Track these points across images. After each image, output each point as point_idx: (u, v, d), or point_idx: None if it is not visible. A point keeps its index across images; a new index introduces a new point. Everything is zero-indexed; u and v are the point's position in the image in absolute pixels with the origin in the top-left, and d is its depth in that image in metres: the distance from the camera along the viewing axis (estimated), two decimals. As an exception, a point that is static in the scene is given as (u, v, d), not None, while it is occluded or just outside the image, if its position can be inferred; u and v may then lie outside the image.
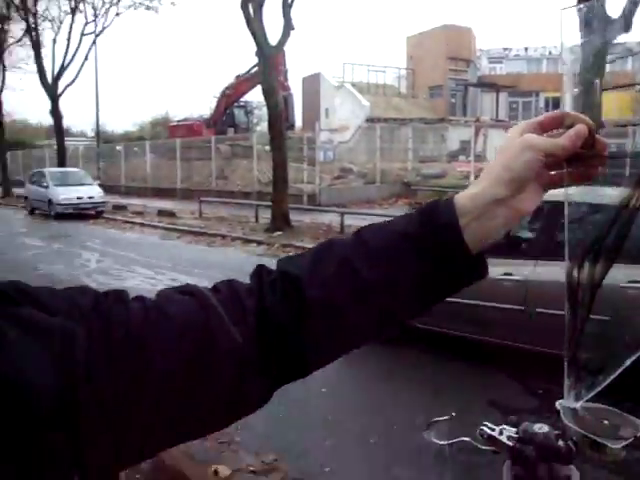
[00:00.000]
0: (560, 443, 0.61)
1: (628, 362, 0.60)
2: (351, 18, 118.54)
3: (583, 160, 0.71)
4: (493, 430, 0.63)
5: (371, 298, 0.70)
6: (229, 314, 0.67)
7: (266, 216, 15.69)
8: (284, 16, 14.70)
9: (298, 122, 31.74)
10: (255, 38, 14.46)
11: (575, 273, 0.71)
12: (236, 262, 11.27)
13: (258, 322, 0.68)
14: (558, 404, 0.62)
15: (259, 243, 13.58)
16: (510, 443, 0.62)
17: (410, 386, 5.18)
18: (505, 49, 49.25)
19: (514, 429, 0.64)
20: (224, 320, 0.66)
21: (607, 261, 0.71)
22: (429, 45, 43.16)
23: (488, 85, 43.00)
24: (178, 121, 34.50)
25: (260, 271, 0.73)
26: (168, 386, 0.61)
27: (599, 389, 0.61)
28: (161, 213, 19.37)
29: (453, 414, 0.66)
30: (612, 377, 0.60)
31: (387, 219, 0.76)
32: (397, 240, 0.71)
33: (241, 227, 15.90)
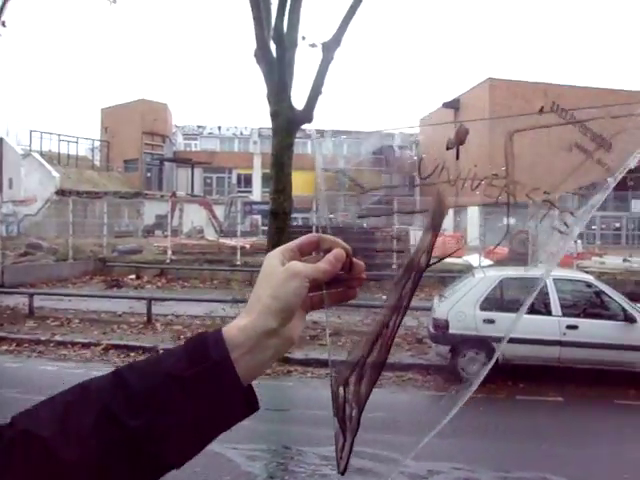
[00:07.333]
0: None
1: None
2: (40, 82, 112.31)
3: (342, 282, 0.73)
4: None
5: (135, 448, 0.61)
6: None
7: None
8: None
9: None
10: None
11: (341, 391, 0.73)
12: None
13: None
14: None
15: None
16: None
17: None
18: (199, 127, 51.50)
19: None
20: None
21: (371, 378, 0.72)
22: (125, 118, 43.03)
23: (183, 161, 44.32)
24: None
25: None
26: None
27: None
28: None
29: None
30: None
31: (155, 356, 0.69)
32: (163, 382, 0.64)
33: None
